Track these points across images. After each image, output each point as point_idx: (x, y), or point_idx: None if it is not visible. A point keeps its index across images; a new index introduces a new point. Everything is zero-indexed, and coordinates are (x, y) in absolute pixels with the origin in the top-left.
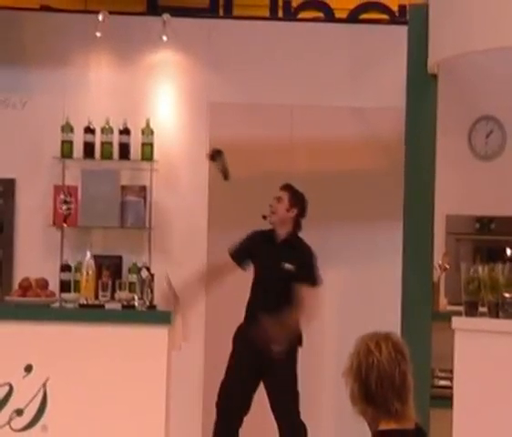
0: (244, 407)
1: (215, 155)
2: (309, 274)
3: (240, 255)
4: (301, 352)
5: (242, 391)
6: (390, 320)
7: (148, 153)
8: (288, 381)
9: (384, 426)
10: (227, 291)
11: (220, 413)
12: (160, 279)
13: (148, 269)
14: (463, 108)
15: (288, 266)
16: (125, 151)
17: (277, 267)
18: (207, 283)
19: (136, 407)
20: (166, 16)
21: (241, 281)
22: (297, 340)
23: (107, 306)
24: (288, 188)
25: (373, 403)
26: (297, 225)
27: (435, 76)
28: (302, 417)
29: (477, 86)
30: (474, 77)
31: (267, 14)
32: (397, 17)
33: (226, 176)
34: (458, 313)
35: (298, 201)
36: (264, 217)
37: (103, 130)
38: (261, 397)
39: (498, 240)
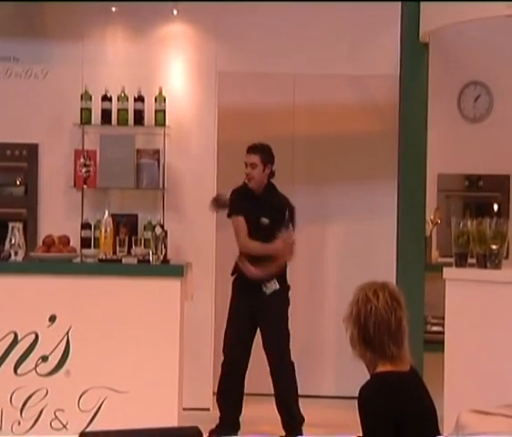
0: (246, 354)
1: (215, 204)
2: (289, 223)
3: (241, 210)
4: (303, 301)
5: (242, 339)
6: (386, 272)
7: (160, 119)
8: (277, 321)
9: (381, 368)
10: (235, 243)
11: (225, 359)
12: (173, 235)
13: (161, 227)
14: (452, 75)
15: (264, 220)
16: (139, 117)
17: (256, 222)
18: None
19: (151, 353)
20: None
21: None
22: (284, 283)
23: (124, 260)
24: (256, 149)
25: (371, 347)
26: (272, 176)
27: (426, 45)
28: (307, 361)
29: (466, 53)
30: (462, 46)
31: None
32: None
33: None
34: (449, 264)
35: (268, 157)
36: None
37: (119, 98)
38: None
39: (486, 197)
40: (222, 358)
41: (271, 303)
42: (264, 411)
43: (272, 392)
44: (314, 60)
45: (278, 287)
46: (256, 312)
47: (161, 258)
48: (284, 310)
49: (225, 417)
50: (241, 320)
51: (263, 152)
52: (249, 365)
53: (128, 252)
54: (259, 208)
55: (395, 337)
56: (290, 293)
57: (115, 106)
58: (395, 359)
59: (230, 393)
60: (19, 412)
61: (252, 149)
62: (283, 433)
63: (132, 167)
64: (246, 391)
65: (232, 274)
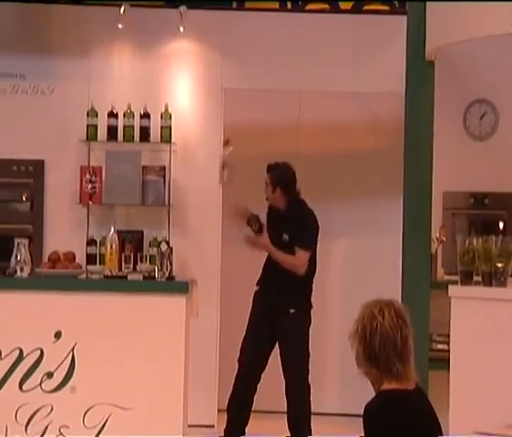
0: (261, 363)
1: (249, 219)
2: (298, 239)
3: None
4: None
5: (259, 348)
6: (391, 289)
7: (166, 135)
8: (298, 340)
9: (386, 386)
10: (240, 259)
11: (240, 368)
12: (178, 251)
13: (167, 243)
14: (458, 92)
15: (285, 237)
16: (145, 134)
17: (278, 238)
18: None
19: (156, 369)
20: (183, 8)
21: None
22: (308, 303)
23: (130, 277)
24: (269, 169)
25: (376, 364)
26: (288, 196)
27: (432, 63)
28: (311, 378)
29: (472, 71)
30: (468, 64)
31: (277, 6)
32: (397, 8)
33: (260, 229)
34: (454, 282)
35: (278, 179)
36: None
37: (125, 115)
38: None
39: (491, 214)
40: (229, 374)
41: (293, 320)
42: (277, 428)
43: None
44: (320, 77)
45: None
46: (277, 326)
47: (167, 274)
48: (305, 330)
49: (233, 428)
50: (261, 331)
51: (273, 173)
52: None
53: (134, 269)
54: (281, 226)
55: (401, 355)
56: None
57: (121, 122)
58: (401, 377)
59: (241, 404)
60: (24, 429)
61: (267, 168)
62: None
63: (138, 183)
64: (260, 407)
65: (257, 284)
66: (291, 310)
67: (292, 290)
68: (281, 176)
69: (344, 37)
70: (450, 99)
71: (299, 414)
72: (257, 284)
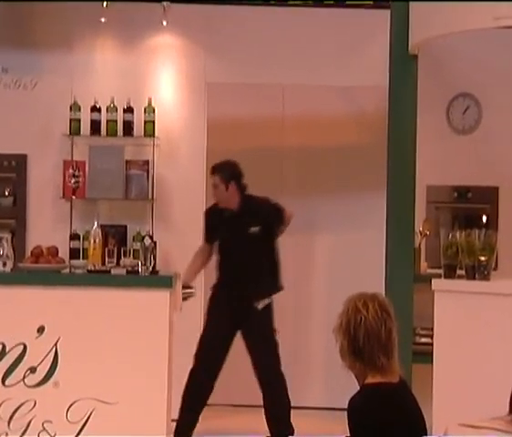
0: (222, 357)
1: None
2: (278, 219)
3: (210, 237)
4: (293, 313)
5: (220, 342)
6: (375, 283)
7: (150, 130)
8: (267, 332)
9: (370, 379)
10: None
11: (198, 364)
12: (162, 245)
13: (150, 238)
14: (441, 86)
15: (254, 229)
16: (129, 128)
17: (246, 234)
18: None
19: (140, 364)
20: (166, 3)
21: None
22: (274, 290)
23: (113, 271)
24: (215, 170)
25: (360, 358)
26: (241, 191)
27: (415, 57)
28: (296, 372)
29: (455, 65)
30: (452, 58)
31: (260, 0)
32: (380, 2)
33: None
34: (438, 276)
35: (229, 174)
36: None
37: (108, 109)
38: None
39: (475, 208)
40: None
41: (260, 314)
42: (252, 423)
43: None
44: (303, 71)
45: (271, 300)
46: (240, 322)
47: (150, 268)
48: (272, 319)
49: (185, 425)
50: (223, 328)
51: (223, 171)
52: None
53: (117, 263)
54: (244, 222)
55: (385, 348)
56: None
57: (104, 116)
58: (385, 370)
59: (198, 402)
60: (7, 424)
61: (212, 170)
62: None
63: (121, 177)
64: (235, 402)
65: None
66: (262, 304)
67: (260, 284)
68: (233, 171)
69: (328, 31)
70: (433, 93)
71: (281, 408)
72: (215, 288)
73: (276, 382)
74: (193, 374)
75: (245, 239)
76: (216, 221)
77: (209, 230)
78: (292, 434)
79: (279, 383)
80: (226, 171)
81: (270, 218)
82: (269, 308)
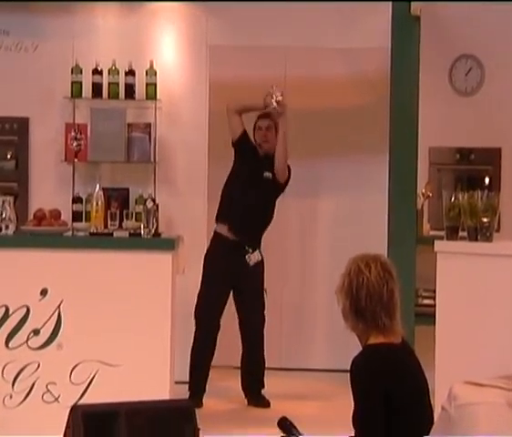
0: (220, 317)
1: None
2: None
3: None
4: (296, 274)
5: (217, 300)
6: (377, 245)
7: (151, 92)
8: (259, 291)
9: (373, 340)
10: None
11: (198, 323)
12: (164, 208)
13: (153, 200)
14: (444, 48)
15: (267, 174)
16: (130, 91)
17: (260, 176)
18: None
19: (143, 326)
20: None
21: None
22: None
23: (116, 234)
24: (267, 115)
25: (363, 318)
26: None
27: (417, 18)
28: (299, 334)
29: (457, 27)
30: (454, 19)
31: None
32: None
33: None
34: (440, 237)
35: (277, 126)
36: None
37: (110, 72)
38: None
39: (477, 170)
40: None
41: (254, 273)
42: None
43: None
44: (306, 33)
45: (261, 258)
46: (236, 279)
47: (153, 231)
48: (263, 279)
49: (198, 387)
50: (221, 284)
51: (275, 120)
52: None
53: (120, 226)
54: (262, 165)
55: (387, 308)
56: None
57: (106, 79)
58: (387, 330)
59: (205, 361)
60: (11, 386)
61: (266, 115)
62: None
63: (123, 140)
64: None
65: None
66: (253, 260)
67: (258, 233)
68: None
69: None
70: (436, 55)
71: (261, 366)
72: (213, 241)
73: (257, 342)
74: (196, 334)
75: (258, 182)
76: (247, 147)
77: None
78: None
79: (260, 343)
80: (276, 123)
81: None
82: (261, 266)
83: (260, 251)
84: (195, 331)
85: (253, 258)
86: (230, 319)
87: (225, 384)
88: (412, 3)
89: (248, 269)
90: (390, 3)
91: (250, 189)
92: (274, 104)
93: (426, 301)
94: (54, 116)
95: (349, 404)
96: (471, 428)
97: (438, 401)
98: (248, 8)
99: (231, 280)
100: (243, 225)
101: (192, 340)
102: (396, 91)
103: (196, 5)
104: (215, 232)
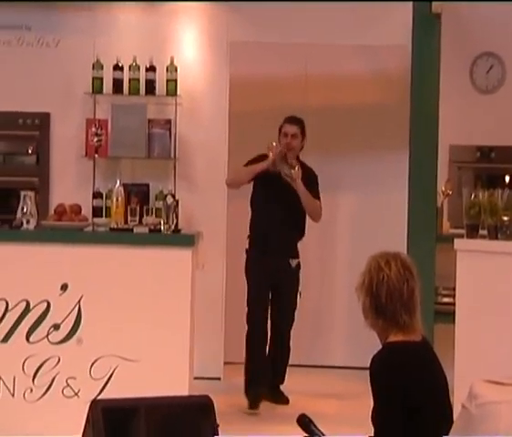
0: (266, 314)
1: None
2: (315, 192)
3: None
4: (316, 272)
5: (265, 302)
6: (397, 242)
7: (172, 89)
8: (293, 294)
9: (393, 337)
10: (247, 212)
11: (252, 330)
12: (184, 204)
13: (173, 196)
14: (465, 45)
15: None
16: (151, 87)
17: (287, 193)
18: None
19: (162, 322)
20: None
21: None
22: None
23: (136, 230)
24: (297, 120)
25: (383, 316)
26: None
27: (438, 16)
28: (319, 332)
29: (478, 24)
30: (475, 17)
31: None
32: None
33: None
34: (460, 236)
35: (305, 130)
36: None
37: (130, 68)
38: None
39: (497, 168)
40: (234, 324)
41: (294, 275)
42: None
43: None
44: (327, 30)
45: (300, 260)
46: (277, 279)
47: (172, 227)
48: (299, 281)
49: (258, 393)
50: (264, 290)
51: (302, 124)
52: None
53: (140, 222)
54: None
55: (408, 306)
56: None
57: (126, 75)
58: (408, 328)
59: (261, 364)
60: (31, 380)
61: (294, 120)
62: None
63: (144, 136)
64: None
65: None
66: (294, 263)
67: (294, 244)
68: (304, 125)
69: None
70: (457, 52)
71: (283, 363)
72: (251, 249)
73: (286, 341)
74: (249, 336)
75: (288, 191)
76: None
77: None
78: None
79: (286, 342)
80: (304, 126)
81: (309, 185)
82: (298, 268)
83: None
84: (250, 338)
85: (294, 260)
86: (243, 315)
87: (241, 380)
88: (433, 1)
89: (289, 272)
90: (411, 0)
91: (275, 194)
92: (287, 170)
93: (446, 300)
94: (75, 111)
95: (368, 402)
96: (492, 426)
97: (458, 399)
98: (268, 5)
99: (273, 281)
100: (280, 241)
101: (247, 349)
102: (417, 89)
103: (216, 4)
104: (251, 240)
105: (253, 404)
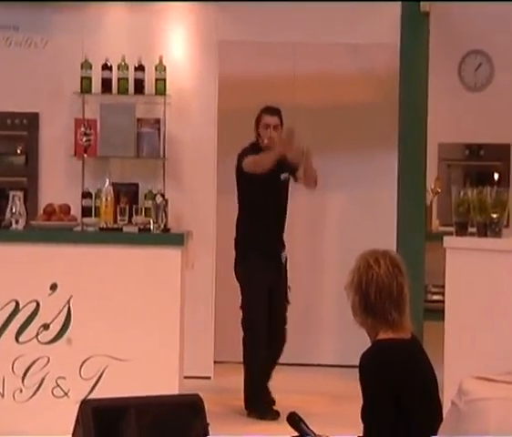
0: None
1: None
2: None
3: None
4: (305, 270)
5: (264, 308)
6: (386, 240)
7: (161, 88)
8: (285, 290)
9: (382, 335)
10: (236, 212)
11: (254, 333)
12: (174, 203)
13: (162, 196)
14: (453, 43)
15: (285, 175)
16: (140, 86)
17: (277, 179)
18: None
19: (152, 321)
20: None
21: None
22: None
23: (125, 229)
24: (276, 111)
25: (372, 314)
26: None
27: (427, 14)
28: (308, 330)
29: (467, 22)
30: (463, 15)
31: None
32: None
33: None
34: (449, 233)
35: (282, 119)
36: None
37: (119, 67)
38: None
39: (486, 165)
40: (224, 326)
41: (284, 274)
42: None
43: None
44: (315, 29)
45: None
46: (272, 280)
47: (162, 226)
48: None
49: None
50: (264, 292)
51: (281, 114)
52: None
53: (129, 221)
54: (277, 166)
55: (397, 303)
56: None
57: (115, 74)
58: (397, 325)
59: (264, 368)
60: (21, 380)
61: (274, 111)
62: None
63: (133, 136)
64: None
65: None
66: (284, 258)
67: (283, 233)
68: (282, 117)
69: None
70: (445, 50)
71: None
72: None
73: (284, 338)
74: (253, 344)
75: (278, 185)
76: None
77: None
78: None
79: (285, 340)
80: (281, 116)
81: (293, 166)
82: (286, 262)
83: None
84: (255, 346)
85: (284, 255)
86: (233, 314)
87: (231, 379)
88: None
89: (283, 270)
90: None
91: (272, 198)
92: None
93: (435, 297)
94: (63, 111)
95: (358, 401)
96: (481, 423)
97: (447, 396)
98: (257, 4)
99: (270, 283)
100: (275, 237)
101: (251, 358)
102: (405, 87)
103: (205, 3)
104: (247, 244)
105: (269, 414)
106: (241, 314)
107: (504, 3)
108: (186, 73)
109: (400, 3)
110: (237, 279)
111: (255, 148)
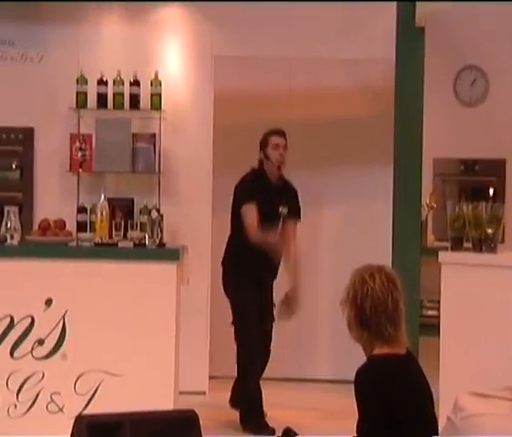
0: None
1: None
2: (297, 213)
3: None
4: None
5: (258, 327)
6: (381, 255)
7: (156, 103)
8: (271, 306)
9: (377, 351)
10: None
11: (249, 354)
12: (169, 218)
13: (157, 211)
14: (448, 59)
15: (283, 210)
16: (135, 101)
17: (275, 211)
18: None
19: (147, 336)
20: None
21: None
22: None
23: (120, 244)
24: (284, 133)
25: (367, 329)
26: None
27: (422, 29)
28: (303, 345)
29: (462, 37)
30: (459, 30)
31: None
32: None
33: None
34: (445, 248)
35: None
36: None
37: (115, 82)
38: None
39: (482, 181)
40: (220, 339)
41: (270, 292)
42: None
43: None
44: (310, 44)
45: None
46: (262, 299)
47: (157, 241)
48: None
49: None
50: (255, 309)
51: (286, 135)
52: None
53: (124, 236)
54: (277, 198)
55: (392, 318)
56: None
57: (111, 89)
58: (392, 340)
59: (258, 386)
60: (15, 396)
61: (281, 132)
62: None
63: (128, 151)
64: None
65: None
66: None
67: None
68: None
69: (335, 3)
70: (440, 65)
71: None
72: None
73: (267, 356)
74: (250, 361)
75: (275, 216)
76: (259, 190)
77: (254, 194)
78: None
79: (268, 358)
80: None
81: (292, 204)
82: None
83: None
84: (253, 363)
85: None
86: (228, 329)
87: (226, 394)
88: (417, 15)
89: (270, 289)
90: (395, 14)
91: (269, 225)
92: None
93: (431, 312)
94: (59, 126)
95: (353, 416)
96: None
97: (442, 411)
98: (253, 19)
99: (259, 296)
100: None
101: (248, 375)
102: (401, 102)
103: (200, 13)
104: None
105: (264, 430)
106: (233, 331)
107: (495, 3)
108: (181, 88)
109: (395, 17)
110: (226, 294)
111: (257, 177)
